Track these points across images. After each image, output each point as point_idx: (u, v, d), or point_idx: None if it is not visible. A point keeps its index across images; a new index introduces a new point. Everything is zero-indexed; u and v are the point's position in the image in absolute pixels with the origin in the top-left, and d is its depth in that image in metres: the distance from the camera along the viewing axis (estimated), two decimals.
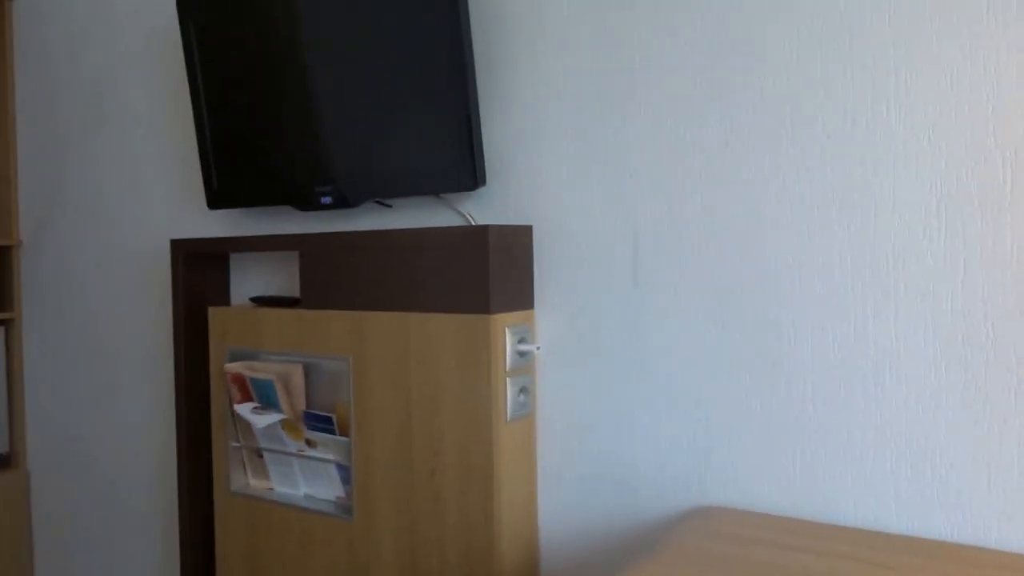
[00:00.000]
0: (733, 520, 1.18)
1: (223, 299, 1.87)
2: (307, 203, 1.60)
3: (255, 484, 1.69)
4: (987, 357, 1.07)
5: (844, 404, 1.16)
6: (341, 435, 1.51)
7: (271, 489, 1.66)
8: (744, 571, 1.01)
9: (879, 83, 1.13)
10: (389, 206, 1.60)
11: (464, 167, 1.40)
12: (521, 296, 1.39)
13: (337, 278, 1.51)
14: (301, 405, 1.56)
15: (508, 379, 1.33)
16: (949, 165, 1.08)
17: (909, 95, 1.11)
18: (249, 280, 1.85)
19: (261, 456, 1.66)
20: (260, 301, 1.69)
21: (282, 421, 1.58)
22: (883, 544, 1.08)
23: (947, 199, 1.09)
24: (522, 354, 1.36)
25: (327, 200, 1.57)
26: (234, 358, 1.66)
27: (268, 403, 1.58)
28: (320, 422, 1.54)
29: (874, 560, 1.03)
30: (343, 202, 1.55)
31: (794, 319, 1.19)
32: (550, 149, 1.40)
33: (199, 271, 1.81)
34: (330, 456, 1.54)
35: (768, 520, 1.18)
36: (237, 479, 1.69)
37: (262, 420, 1.55)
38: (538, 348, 1.39)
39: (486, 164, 1.47)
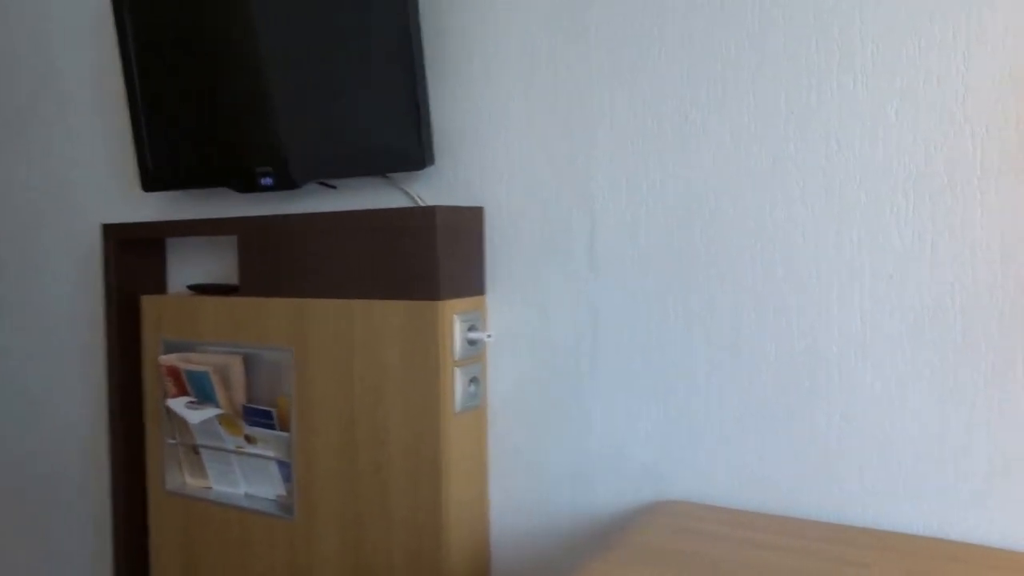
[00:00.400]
0: (693, 515, 1.12)
1: (159, 287, 1.76)
2: (247, 185, 1.51)
3: (192, 483, 1.59)
4: (956, 340, 1.02)
5: (808, 392, 1.10)
6: (282, 430, 1.43)
7: (209, 488, 1.56)
8: (702, 569, 0.95)
9: (844, 53, 1.07)
10: (333, 187, 1.51)
11: (412, 145, 1.32)
12: (471, 281, 1.31)
13: (278, 264, 1.42)
14: (240, 399, 1.47)
15: (457, 369, 1.26)
16: (917, 140, 1.03)
17: (876, 66, 1.05)
18: (189, 267, 1.75)
19: (198, 453, 1.56)
20: (198, 289, 1.59)
21: (220, 416, 1.49)
22: (847, 538, 1.03)
23: (915, 177, 1.03)
24: (472, 342, 1.29)
25: (268, 181, 1.48)
26: (170, 349, 1.56)
27: (204, 397, 1.49)
28: (260, 417, 1.45)
29: (837, 556, 0.97)
30: (285, 183, 1.46)
31: (756, 304, 1.13)
32: (504, 127, 1.32)
33: (133, 258, 1.70)
34: (270, 452, 1.45)
35: (730, 514, 1.12)
36: (173, 478, 1.59)
37: (197, 415, 1.46)
38: (489, 336, 1.31)
39: (436, 143, 1.39)
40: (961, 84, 1.01)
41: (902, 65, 1.04)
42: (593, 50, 1.24)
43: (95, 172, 1.91)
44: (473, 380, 1.29)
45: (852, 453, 1.08)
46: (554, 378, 1.28)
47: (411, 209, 1.27)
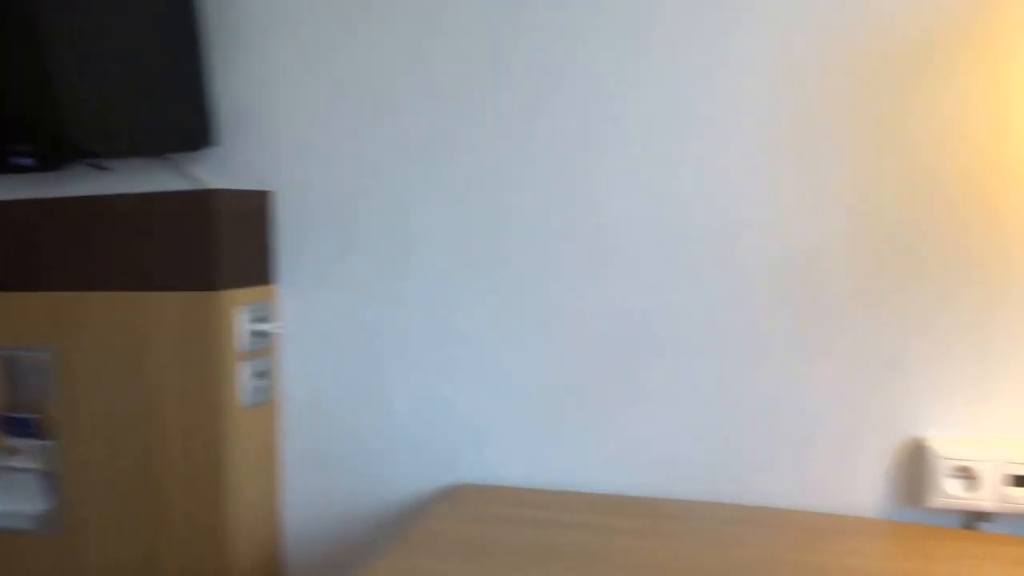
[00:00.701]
0: (485, 498, 1.13)
1: None
2: None
3: None
4: (730, 318, 1.09)
5: (592, 371, 1.14)
6: (46, 439, 1.29)
7: None
8: (488, 553, 0.95)
9: (637, 33, 1.11)
10: (105, 168, 1.38)
11: (193, 124, 1.23)
12: (259, 270, 1.24)
13: (37, 255, 1.28)
14: None
15: (242, 363, 1.19)
16: (704, 123, 1.09)
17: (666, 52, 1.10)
18: None
19: None
20: None
21: None
22: (631, 510, 1.07)
23: (707, 159, 1.09)
24: (260, 334, 1.22)
25: (26, 162, 1.32)
26: None
27: None
28: (20, 426, 1.30)
29: (617, 528, 1.01)
30: (47, 164, 1.31)
31: (548, 286, 1.15)
32: (297, 105, 1.26)
33: None
34: (33, 464, 1.31)
35: (520, 495, 1.14)
36: None
37: None
38: (280, 327, 1.25)
39: (223, 122, 1.30)
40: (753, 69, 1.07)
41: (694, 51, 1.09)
42: (387, 35, 1.21)
43: None
44: (261, 374, 1.23)
45: (641, 430, 1.13)
46: (351, 366, 1.24)
47: (188, 193, 1.18)
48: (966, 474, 1.02)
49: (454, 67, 1.17)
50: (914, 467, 1.05)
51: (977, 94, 0.99)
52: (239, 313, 1.18)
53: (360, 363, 1.24)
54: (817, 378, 1.06)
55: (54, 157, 1.30)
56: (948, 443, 1.03)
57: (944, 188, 1.01)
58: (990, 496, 1.01)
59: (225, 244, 1.17)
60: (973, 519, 1.04)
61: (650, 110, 1.10)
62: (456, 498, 1.13)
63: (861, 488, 1.07)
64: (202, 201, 1.16)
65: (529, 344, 1.16)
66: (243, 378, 1.19)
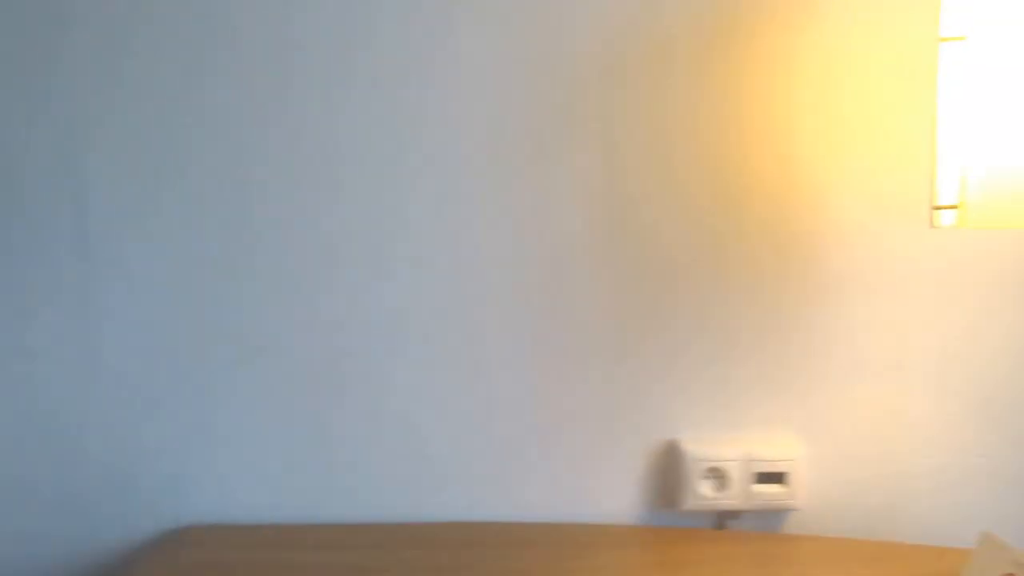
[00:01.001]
0: (206, 542, 0.97)
1: None
2: None
3: None
4: (470, 324, 1.01)
5: (316, 388, 1.01)
6: None
7: None
8: None
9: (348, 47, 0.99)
10: None
11: None
12: None
13: None
14: None
15: None
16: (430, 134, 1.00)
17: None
18: None
19: None
20: None
21: None
22: (364, 539, 0.97)
23: (433, 166, 1.00)
24: None
25: None
26: None
27: None
28: None
29: (348, 562, 0.90)
30: None
31: (280, 298, 1.01)
32: None
33: None
34: None
35: (252, 534, 0.99)
36: None
37: None
38: None
39: None
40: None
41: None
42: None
43: None
44: None
45: (381, 449, 1.02)
46: (38, 392, 1.02)
47: None
48: (716, 474, 1.01)
49: (168, 48, 1.00)
50: (668, 470, 1.03)
51: (716, 97, 0.98)
52: None
53: (43, 387, 1.01)
54: (564, 383, 1.02)
55: None
56: (699, 445, 1.02)
57: (686, 189, 1.00)
58: (737, 495, 1.01)
59: None
60: (723, 518, 1.04)
61: (369, 106, 0.99)
62: (174, 544, 0.96)
63: (616, 494, 1.03)
64: None
65: (250, 364, 1.01)
66: None
